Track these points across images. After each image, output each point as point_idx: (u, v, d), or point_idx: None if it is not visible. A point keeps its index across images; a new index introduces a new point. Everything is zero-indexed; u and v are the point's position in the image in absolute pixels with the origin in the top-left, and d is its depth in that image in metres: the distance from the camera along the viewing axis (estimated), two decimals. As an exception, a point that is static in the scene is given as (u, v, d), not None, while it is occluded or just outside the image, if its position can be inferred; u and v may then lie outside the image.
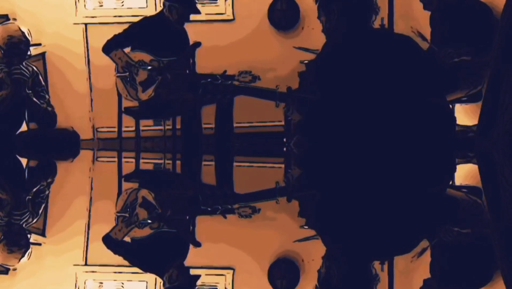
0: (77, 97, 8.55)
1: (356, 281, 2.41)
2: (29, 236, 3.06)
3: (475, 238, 2.90)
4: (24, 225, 3.22)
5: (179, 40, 7.37)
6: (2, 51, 7.55)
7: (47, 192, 4.62)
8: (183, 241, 3.07)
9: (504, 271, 2.31)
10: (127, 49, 7.27)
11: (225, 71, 7.37)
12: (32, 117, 7.82)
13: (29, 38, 7.80)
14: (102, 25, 8.44)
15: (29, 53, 7.91)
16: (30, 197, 4.01)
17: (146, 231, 3.23)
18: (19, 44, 7.65)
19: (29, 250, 2.83)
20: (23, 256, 2.74)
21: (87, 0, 8.56)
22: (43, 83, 7.91)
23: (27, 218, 3.37)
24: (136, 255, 2.85)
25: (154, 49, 7.22)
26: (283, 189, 4.66)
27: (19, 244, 2.85)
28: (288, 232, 3.18)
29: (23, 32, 7.70)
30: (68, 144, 7.90)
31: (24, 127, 8.05)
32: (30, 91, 7.68)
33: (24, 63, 7.70)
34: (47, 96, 7.85)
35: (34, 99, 7.68)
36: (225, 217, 3.61)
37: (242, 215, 3.57)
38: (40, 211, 3.73)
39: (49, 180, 5.28)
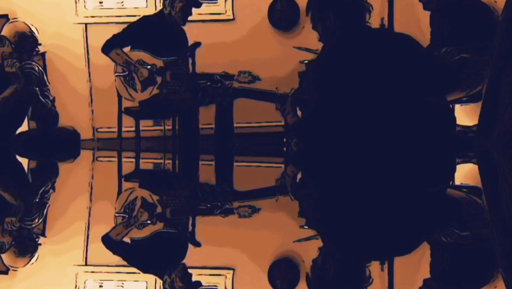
0: (77, 97, 8.55)
1: (349, 279, 2.41)
2: (36, 239, 3.06)
3: (475, 238, 2.90)
4: (32, 228, 3.24)
5: (178, 40, 7.36)
6: (13, 46, 7.78)
7: (51, 192, 4.63)
8: (183, 241, 3.07)
9: (504, 271, 2.31)
10: (126, 49, 7.27)
11: (226, 73, 7.38)
12: (35, 115, 7.96)
13: (36, 36, 8.03)
14: (102, 25, 8.44)
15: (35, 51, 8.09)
16: (37, 200, 4.03)
17: (145, 231, 3.22)
18: (27, 40, 7.91)
19: (36, 254, 2.84)
20: (30, 260, 2.75)
21: (87, 0, 8.56)
22: (47, 83, 8.04)
23: (36, 221, 3.39)
24: (135, 256, 2.85)
25: (153, 49, 7.21)
26: (283, 187, 4.66)
27: (28, 249, 2.87)
28: (288, 232, 3.18)
29: (31, 30, 7.96)
30: (68, 143, 7.95)
31: (24, 127, 8.12)
32: (37, 88, 7.88)
33: (33, 60, 7.94)
34: (51, 96, 8.01)
35: (40, 97, 7.87)
36: (226, 214, 3.61)
37: (242, 215, 3.57)
38: (45, 212, 3.73)
39: (53, 180, 5.29)
